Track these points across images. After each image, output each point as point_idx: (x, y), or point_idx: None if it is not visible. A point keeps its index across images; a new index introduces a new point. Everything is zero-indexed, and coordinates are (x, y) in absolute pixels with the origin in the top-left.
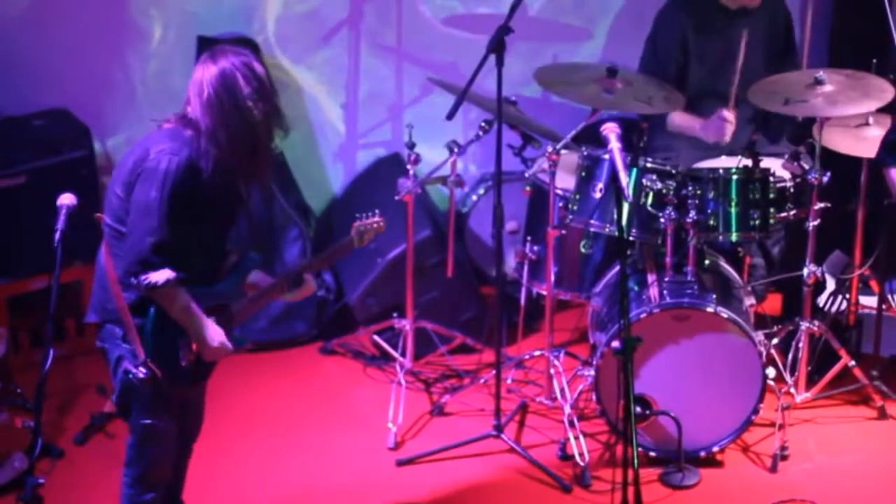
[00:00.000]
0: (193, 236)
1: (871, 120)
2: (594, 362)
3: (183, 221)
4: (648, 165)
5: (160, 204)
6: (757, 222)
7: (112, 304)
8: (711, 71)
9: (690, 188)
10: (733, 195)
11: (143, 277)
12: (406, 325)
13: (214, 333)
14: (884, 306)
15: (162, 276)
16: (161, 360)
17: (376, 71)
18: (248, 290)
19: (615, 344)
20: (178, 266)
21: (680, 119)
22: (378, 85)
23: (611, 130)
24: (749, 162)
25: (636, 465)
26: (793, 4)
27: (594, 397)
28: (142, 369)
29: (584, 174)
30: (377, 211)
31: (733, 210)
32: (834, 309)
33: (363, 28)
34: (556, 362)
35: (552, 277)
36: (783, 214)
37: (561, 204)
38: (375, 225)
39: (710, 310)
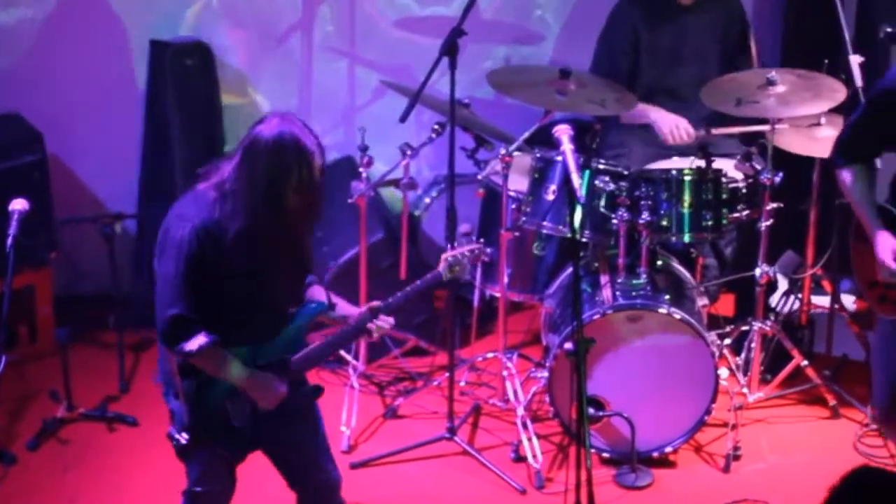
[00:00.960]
0: (234, 297)
1: (823, 120)
2: (547, 364)
3: (213, 286)
4: (601, 167)
5: (176, 275)
6: (709, 223)
7: (166, 364)
8: (664, 67)
9: (643, 189)
10: (686, 196)
11: (175, 347)
12: None
13: (265, 383)
14: (836, 306)
15: (195, 343)
16: (209, 424)
17: (329, 74)
18: (338, 324)
19: (568, 345)
20: (220, 326)
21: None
22: (331, 88)
23: (563, 132)
24: (702, 163)
25: (589, 466)
26: (746, 4)
27: (547, 399)
28: (184, 435)
29: (536, 176)
30: (474, 237)
31: (686, 211)
32: (786, 309)
33: (315, 31)
34: (510, 364)
35: (505, 279)
36: (736, 215)
37: (514, 206)
38: (471, 253)
39: (662, 311)
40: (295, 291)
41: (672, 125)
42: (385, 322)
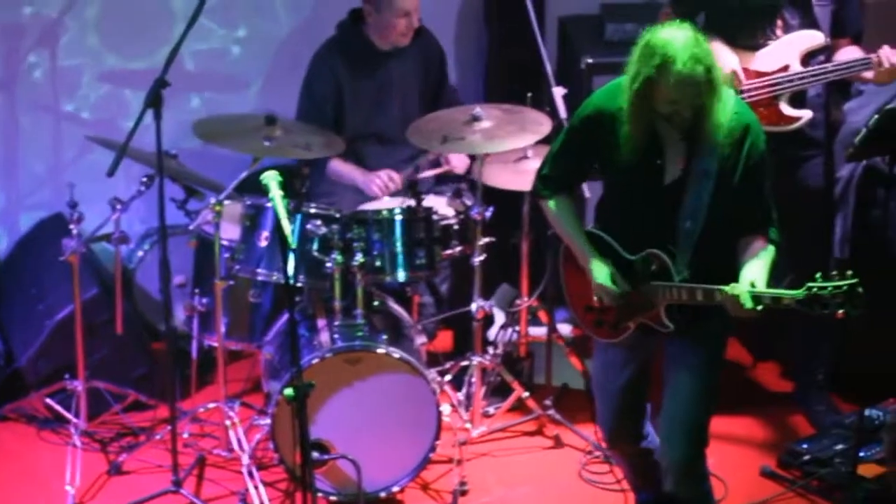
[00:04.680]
0: None
1: (530, 153)
2: (269, 411)
3: None
4: (312, 211)
5: None
6: (423, 261)
7: None
8: (367, 112)
9: (355, 231)
10: (398, 235)
11: None
12: (78, 385)
13: None
14: (553, 335)
15: None
16: None
17: (33, 131)
18: None
19: (288, 391)
20: None
21: (340, 167)
22: (36, 145)
23: (271, 178)
24: (412, 201)
25: None
26: (447, 40)
27: (272, 446)
28: None
29: (248, 223)
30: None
31: (399, 250)
32: (504, 342)
33: (17, 88)
34: (232, 413)
35: (222, 328)
36: (449, 251)
37: (227, 254)
38: None
39: (381, 351)
40: None
41: (377, 181)
42: None
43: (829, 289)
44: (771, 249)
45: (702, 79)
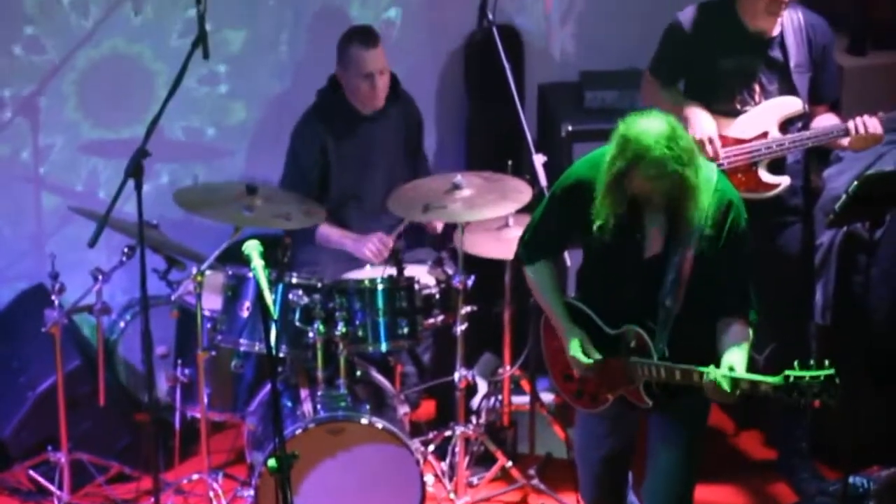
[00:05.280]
0: None
1: (510, 221)
2: (253, 482)
3: None
4: (294, 281)
5: None
6: (405, 330)
7: None
8: (353, 176)
9: (337, 301)
10: (380, 305)
11: None
12: (61, 457)
13: None
14: (536, 404)
15: None
16: None
17: (13, 202)
18: None
19: (272, 462)
20: None
21: (330, 232)
22: (17, 216)
23: (252, 248)
24: (393, 271)
25: None
26: (428, 107)
27: None
28: None
29: (230, 293)
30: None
31: (381, 320)
32: (488, 411)
33: None
34: (215, 485)
35: (205, 399)
36: (431, 321)
37: (209, 325)
38: None
39: (364, 421)
40: None
41: (370, 246)
42: None
43: (807, 378)
44: (750, 333)
45: (675, 173)
